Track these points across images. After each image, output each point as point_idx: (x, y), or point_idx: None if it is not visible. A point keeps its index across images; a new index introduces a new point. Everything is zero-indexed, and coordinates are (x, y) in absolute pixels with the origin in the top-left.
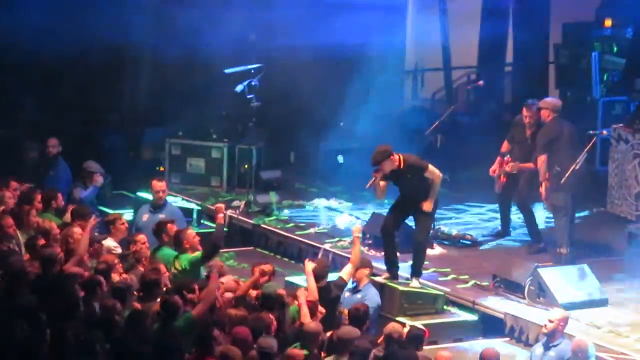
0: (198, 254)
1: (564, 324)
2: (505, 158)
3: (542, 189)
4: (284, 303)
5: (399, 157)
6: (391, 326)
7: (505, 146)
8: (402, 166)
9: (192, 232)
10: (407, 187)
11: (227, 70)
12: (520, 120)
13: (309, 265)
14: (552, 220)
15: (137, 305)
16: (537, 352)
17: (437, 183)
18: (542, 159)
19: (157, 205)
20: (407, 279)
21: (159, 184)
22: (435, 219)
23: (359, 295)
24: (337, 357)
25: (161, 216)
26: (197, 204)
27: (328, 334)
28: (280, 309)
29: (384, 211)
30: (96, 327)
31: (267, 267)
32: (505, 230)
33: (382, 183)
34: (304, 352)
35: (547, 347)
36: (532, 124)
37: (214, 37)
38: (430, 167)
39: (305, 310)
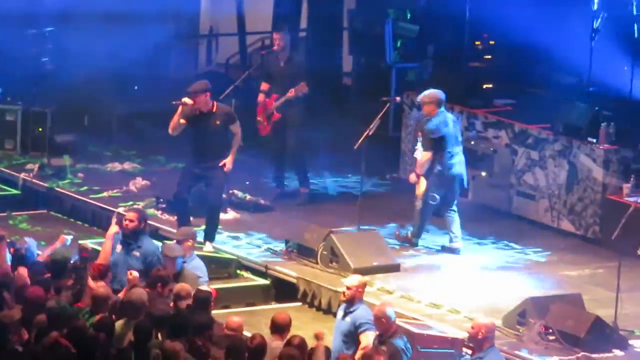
0: None
1: (362, 290)
2: (272, 96)
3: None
4: (77, 268)
5: (214, 102)
6: (180, 286)
7: (264, 85)
8: (214, 109)
9: None
10: (209, 136)
11: None
12: (271, 54)
13: (113, 228)
14: None
15: None
16: (338, 316)
17: (238, 141)
18: (427, 156)
19: None
20: (200, 242)
21: None
22: (229, 183)
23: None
24: (128, 320)
25: None
26: None
27: None
28: (78, 274)
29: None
30: None
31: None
32: (279, 184)
33: (182, 120)
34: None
35: (345, 313)
36: (283, 49)
37: None
38: (238, 123)
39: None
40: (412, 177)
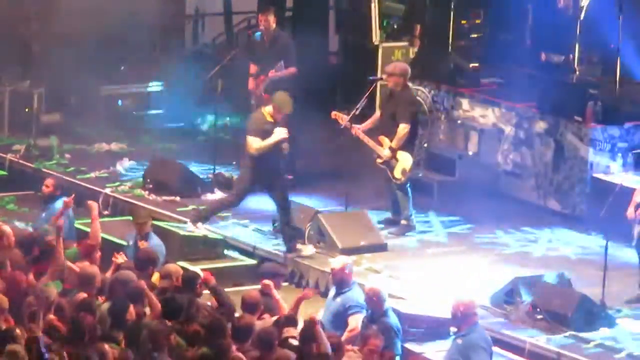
0: None
1: (344, 270)
2: (260, 77)
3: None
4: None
5: None
6: (165, 267)
7: (252, 68)
8: None
9: None
10: None
11: None
12: (257, 36)
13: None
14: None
15: None
16: (330, 295)
17: None
18: (406, 128)
19: None
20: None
21: None
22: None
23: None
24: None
25: None
26: None
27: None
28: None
29: (164, 155)
30: None
31: None
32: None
33: None
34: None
35: (336, 294)
36: (268, 30)
37: None
38: None
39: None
40: (387, 153)
